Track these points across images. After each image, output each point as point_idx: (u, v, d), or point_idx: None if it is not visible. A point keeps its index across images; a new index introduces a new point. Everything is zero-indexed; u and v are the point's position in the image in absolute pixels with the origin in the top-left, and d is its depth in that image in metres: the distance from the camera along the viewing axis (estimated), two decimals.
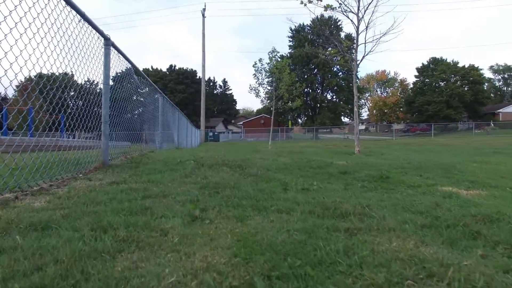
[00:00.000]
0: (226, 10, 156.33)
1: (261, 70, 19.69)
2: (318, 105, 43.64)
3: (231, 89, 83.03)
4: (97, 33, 4.24)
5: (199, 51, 39.66)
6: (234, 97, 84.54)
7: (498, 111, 53.16)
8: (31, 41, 2.78)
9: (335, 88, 42.52)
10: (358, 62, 10.57)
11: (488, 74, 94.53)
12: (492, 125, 49.63)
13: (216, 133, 50.50)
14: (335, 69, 47.56)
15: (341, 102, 43.13)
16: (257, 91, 20.90)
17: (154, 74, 48.25)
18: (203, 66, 32.13)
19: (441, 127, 52.44)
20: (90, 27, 4.02)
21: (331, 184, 3.40)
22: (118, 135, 6.03)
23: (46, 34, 3.01)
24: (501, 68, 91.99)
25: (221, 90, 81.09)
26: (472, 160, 6.96)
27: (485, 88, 52.50)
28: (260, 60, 19.67)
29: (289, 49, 50.04)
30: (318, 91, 43.62)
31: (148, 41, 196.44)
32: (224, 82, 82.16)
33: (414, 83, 58.56)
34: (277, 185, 3.21)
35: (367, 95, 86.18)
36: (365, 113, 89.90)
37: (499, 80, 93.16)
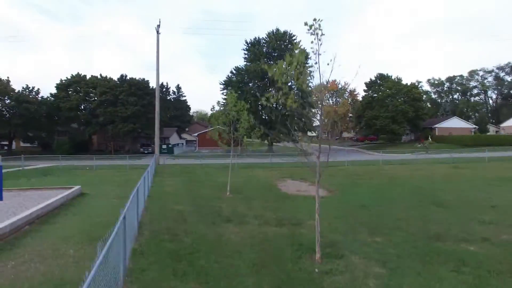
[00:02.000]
0: (180, 7, 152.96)
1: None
2: (273, 119, 44.18)
3: (185, 96, 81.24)
4: None
5: (152, 61, 38.06)
6: (188, 103, 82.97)
7: (435, 126, 57.85)
8: None
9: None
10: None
11: (426, 86, 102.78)
12: (430, 139, 53.88)
13: (170, 145, 49.13)
14: (290, 83, 48.39)
15: (295, 118, 44.04)
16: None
17: (103, 84, 45.48)
18: (157, 84, 30.89)
19: (388, 137, 56.15)
20: None
21: None
22: None
23: None
24: (436, 82, 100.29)
25: (174, 96, 79.06)
26: None
27: (424, 105, 56.42)
28: (218, 102, 19.29)
29: (244, 61, 50.15)
30: (273, 105, 44.12)
31: (98, 48, 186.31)
32: (178, 88, 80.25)
33: (363, 97, 61.59)
34: None
35: (319, 104, 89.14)
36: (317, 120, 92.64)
37: (435, 93, 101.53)
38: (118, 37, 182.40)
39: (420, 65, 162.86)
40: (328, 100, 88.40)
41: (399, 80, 59.48)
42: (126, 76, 45.90)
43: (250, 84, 47.16)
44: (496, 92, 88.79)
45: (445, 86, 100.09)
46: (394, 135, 54.11)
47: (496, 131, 70.28)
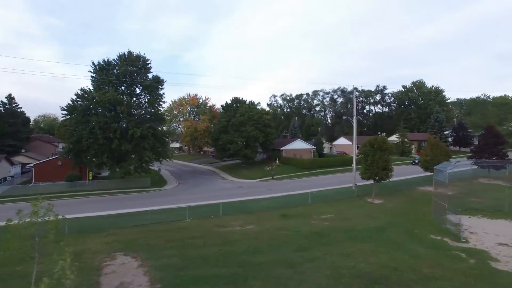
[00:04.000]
0: None
1: None
2: (123, 152, 41.65)
3: (21, 107, 69.07)
4: None
5: None
6: (26, 114, 70.72)
7: (282, 148, 64.68)
8: None
9: (140, 136, 41.57)
10: None
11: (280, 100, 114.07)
12: (278, 162, 59.91)
13: None
14: (143, 111, 46.57)
15: (146, 151, 42.56)
16: None
17: None
18: None
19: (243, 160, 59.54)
20: None
21: None
22: None
23: None
24: (288, 98, 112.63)
25: (3, 107, 66.26)
26: None
27: (274, 131, 62.38)
28: None
29: (92, 82, 45.55)
30: (122, 138, 41.59)
31: None
32: (10, 98, 67.52)
33: (219, 121, 63.89)
34: None
35: (180, 118, 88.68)
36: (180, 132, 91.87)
37: (287, 107, 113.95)
38: None
39: (281, 80, 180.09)
40: (190, 115, 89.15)
41: (253, 104, 64.24)
42: None
43: (99, 110, 43.01)
44: (331, 111, 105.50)
45: (295, 102, 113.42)
46: (247, 159, 58.24)
47: (330, 148, 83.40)
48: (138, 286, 15.76)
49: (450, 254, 19.13)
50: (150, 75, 47.67)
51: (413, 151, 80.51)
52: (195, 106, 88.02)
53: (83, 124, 41.25)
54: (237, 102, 63.05)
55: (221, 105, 64.69)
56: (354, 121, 37.35)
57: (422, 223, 25.49)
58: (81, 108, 42.20)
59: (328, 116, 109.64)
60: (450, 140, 79.31)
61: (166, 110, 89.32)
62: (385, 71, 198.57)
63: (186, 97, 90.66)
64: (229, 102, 63.71)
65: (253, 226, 25.07)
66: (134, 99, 46.98)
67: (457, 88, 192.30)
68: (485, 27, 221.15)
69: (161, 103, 48.55)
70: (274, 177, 49.75)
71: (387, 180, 32.99)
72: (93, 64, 44.99)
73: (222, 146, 58.00)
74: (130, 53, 46.36)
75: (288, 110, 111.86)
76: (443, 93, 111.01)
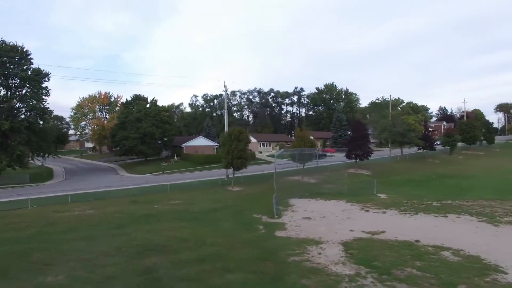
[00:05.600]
0: None
1: None
2: None
3: None
4: None
5: None
6: None
7: (183, 144, 66.01)
8: None
9: (11, 129, 40.06)
10: None
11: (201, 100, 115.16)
12: (176, 158, 61.14)
13: None
14: (18, 104, 44.88)
15: (20, 145, 41.13)
16: None
17: None
18: None
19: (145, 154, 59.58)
20: None
21: None
22: None
23: None
24: (209, 98, 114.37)
25: None
26: None
27: (171, 127, 63.16)
28: None
29: None
30: None
31: None
32: None
33: (118, 117, 63.33)
34: None
35: (89, 116, 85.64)
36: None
37: (206, 107, 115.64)
38: None
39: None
40: (98, 113, 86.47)
41: (154, 102, 64.73)
42: None
43: None
44: (249, 110, 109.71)
45: (215, 102, 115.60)
46: (144, 155, 58.61)
47: None
48: None
49: (252, 227, 21.19)
50: (32, 68, 46.14)
51: (318, 147, 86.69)
52: (105, 104, 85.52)
53: None
54: (137, 99, 63.12)
55: (122, 102, 64.17)
56: (226, 114, 39.96)
57: (259, 206, 27.53)
58: None
59: (245, 115, 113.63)
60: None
61: (74, 108, 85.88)
62: (317, 76, 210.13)
63: (97, 95, 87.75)
64: (129, 99, 63.52)
65: (93, 211, 25.90)
66: (12, 92, 45.17)
67: (372, 92, 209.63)
68: (401, 43, 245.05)
69: (43, 96, 47.09)
70: (164, 171, 50.88)
71: (243, 169, 35.64)
72: None
73: (118, 143, 57.68)
74: (3, 42, 44.31)
75: (208, 110, 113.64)
76: (352, 95, 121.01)
